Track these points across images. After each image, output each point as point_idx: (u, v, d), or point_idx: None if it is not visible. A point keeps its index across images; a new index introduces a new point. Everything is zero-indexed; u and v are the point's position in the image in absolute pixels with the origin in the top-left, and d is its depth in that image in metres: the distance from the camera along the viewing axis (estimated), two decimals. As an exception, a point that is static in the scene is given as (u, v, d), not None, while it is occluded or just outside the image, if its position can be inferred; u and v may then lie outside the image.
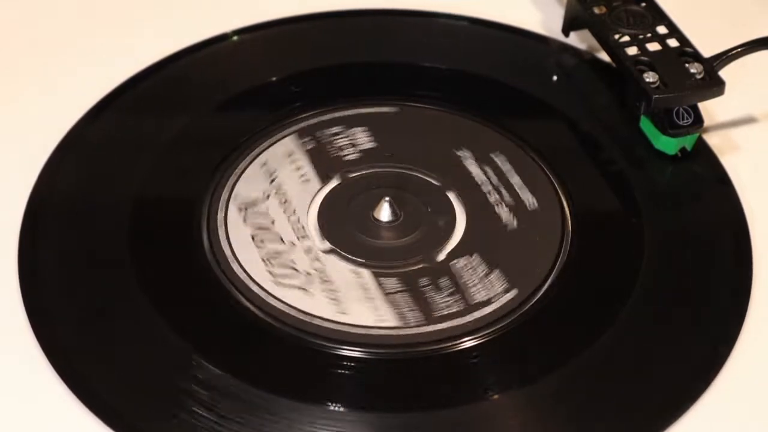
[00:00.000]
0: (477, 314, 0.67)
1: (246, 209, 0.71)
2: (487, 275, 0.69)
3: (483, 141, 0.77)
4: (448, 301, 0.68)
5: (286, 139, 0.76)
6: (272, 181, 0.74)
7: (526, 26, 0.86)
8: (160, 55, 0.82)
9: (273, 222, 0.71)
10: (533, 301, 0.68)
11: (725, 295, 0.69)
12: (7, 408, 0.63)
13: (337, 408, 0.63)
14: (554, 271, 0.69)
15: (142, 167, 0.74)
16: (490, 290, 0.68)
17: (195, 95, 0.80)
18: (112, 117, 0.78)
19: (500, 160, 0.75)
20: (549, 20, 0.86)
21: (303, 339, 0.66)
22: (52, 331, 0.66)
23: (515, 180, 0.74)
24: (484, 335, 0.66)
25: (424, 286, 0.68)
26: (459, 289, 0.68)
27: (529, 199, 0.73)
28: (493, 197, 0.73)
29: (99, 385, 0.64)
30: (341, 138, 0.76)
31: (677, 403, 0.63)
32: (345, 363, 0.65)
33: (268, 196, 0.73)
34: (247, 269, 0.69)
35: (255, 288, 0.68)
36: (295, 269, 0.69)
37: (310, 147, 0.76)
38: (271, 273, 0.69)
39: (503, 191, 0.74)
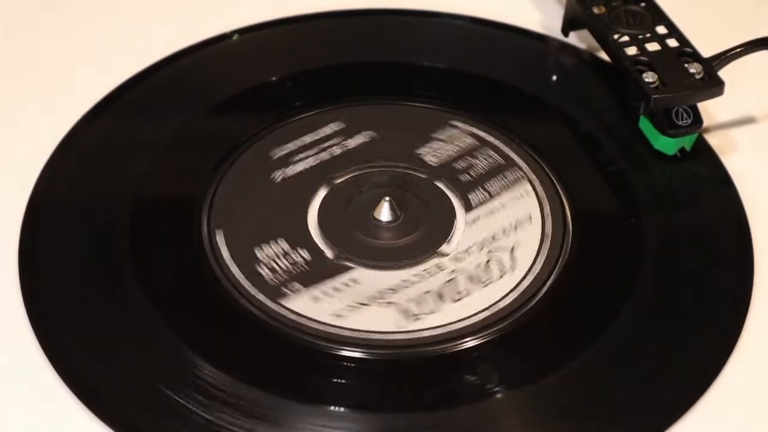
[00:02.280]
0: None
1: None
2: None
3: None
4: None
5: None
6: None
7: (526, 26, 0.86)
8: (160, 55, 0.82)
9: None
10: (533, 302, 0.68)
11: (726, 295, 0.69)
12: (7, 408, 0.63)
13: (337, 409, 0.63)
14: (554, 271, 0.69)
15: (141, 167, 0.74)
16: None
17: (195, 95, 0.79)
18: (112, 117, 0.78)
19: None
20: (548, 20, 0.86)
21: (303, 340, 0.66)
22: (52, 331, 0.66)
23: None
24: (484, 335, 0.66)
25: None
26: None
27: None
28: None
29: (99, 385, 0.64)
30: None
31: (677, 403, 0.63)
32: (346, 364, 0.65)
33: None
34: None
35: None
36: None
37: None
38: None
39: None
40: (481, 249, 0.70)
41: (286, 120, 0.77)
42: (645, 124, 0.76)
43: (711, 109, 0.78)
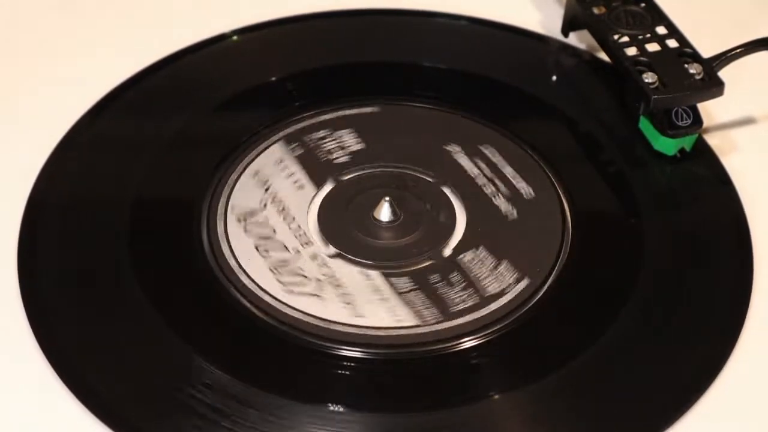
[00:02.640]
0: (493, 306, 0.67)
1: (245, 220, 0.71)
2: (496, 267, 0.69)
3: (482, 140, 0.77)
4: (462, 295, 0.68)
5: (276, 144, 0.76)
6: (266, 189, 0.74)
7: (526, 26, 0.86)
8: (160, 55, 0.82)
9: (274, 231, 0.71)
10: (534, 302, 0.68)
11: (726, 295, 0.69)
12: (7, 408, 0.63)
13: (339, 409, 0.63)
14: (554, 271, 0.69)
15: (141, 167, 0.74)
16: (501, 281, 0.68)
17: (194, 95, 0.79)
18: (112, 117, 0.78)
19: (499, 159, 0.75)
20: (548, 20, 0.86)
21: (304, 339, 0.66)
22: (52, 331, 0.66)
23: (508, 171, 0.74)
24: (484, 335, 0.66)
25: (435, 283, 0.68)
26: (470, 283, 0.68)
27: (525, 188, 0.73)
28: (489, 189, 0.73)
29: (99, 385, 0.64)
30: (338, 138, 0.76)
31: (678, 403, 0.63)
32: (347, 363, 0.65)
33: (265, 205, 0.73)
34: (254, 279, 0.68)
35: (256, 289, 0.68)
36: (305, 276, 0.69)
37: (300, 152, 0.75)
38: (280, 282, 0.68)
39: (498, 183, 0.74)
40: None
41: (280, 122, 0.77)
42: (645, 125, 0.76)
43: (711, 110, 0.78)
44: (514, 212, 0.72)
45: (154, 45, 0.82)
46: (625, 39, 0.78)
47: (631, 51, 0.77)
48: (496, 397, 0.64)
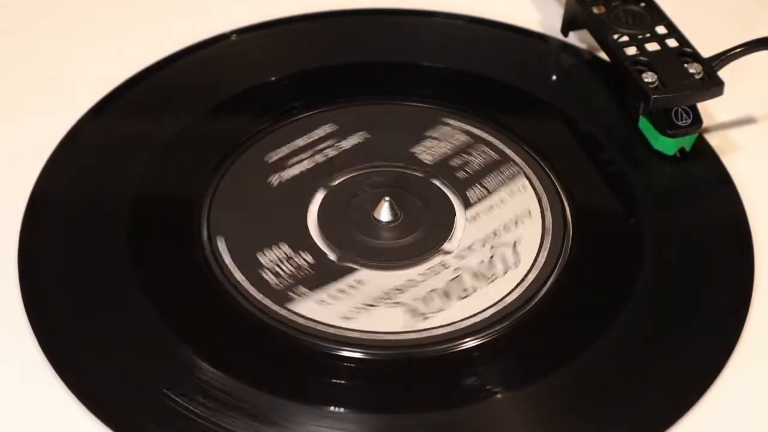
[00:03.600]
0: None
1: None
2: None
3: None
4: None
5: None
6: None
7: (526, 26, 0.86)
8: (160, 55, 0.82)
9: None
10: (534, 302, 0.68)
11: (726, 295, 0.69)
12: (7, 408, 0.63)
13: (337, 410, 0.63)
14: (554, 271, 0.69)
15: (141, 167, 0.74)
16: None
17: (194, 95, 0.79)
18: (112, 117, 0.78)
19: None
20: (548, 20, 0.86)
21: (304, 340, 0.66)
22: (51, 331, 0.66)
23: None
24: (484, 335, 0.66)
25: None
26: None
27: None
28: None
29: (99, 384, 0.64)
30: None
31: (678, 403, 0.63)
32: (350, 365, 0.65)
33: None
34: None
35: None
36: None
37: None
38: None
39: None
40: (484, 245, 0.70)
41: (280, 123, 0.77)
42: (645, 124, 0.76)
43: (711, 109, 0.78)
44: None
45: (155, 45, 0.82)
46: (625, 38, 0.78)
47: (631, 50, 0.77)
48: (496, 397, 0.64)
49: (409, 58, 0.83)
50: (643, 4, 0.81)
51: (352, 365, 0.65)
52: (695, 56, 0.76)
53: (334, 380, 0.64)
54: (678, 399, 0.64)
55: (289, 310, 0.67)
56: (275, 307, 0.67)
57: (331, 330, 0.66)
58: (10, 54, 0.83)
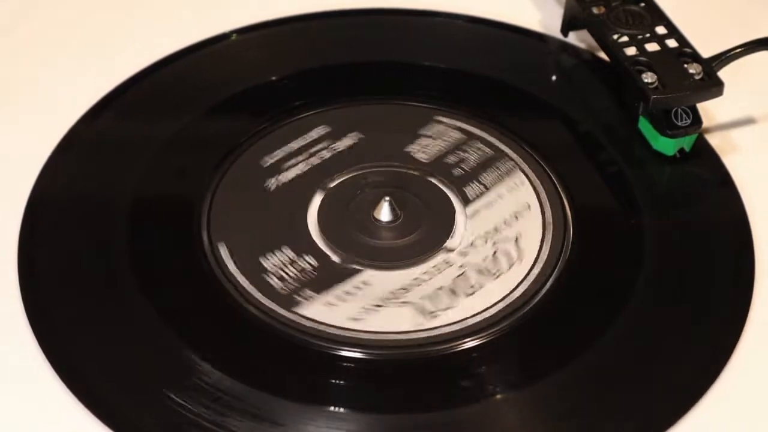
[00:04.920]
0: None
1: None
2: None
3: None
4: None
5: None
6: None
7: (526, 26, 0.86)
8: (160, 55, 0.82)
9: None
10: (534, 302, 0.68)
11: (726, 295, 0.69)
12: (7, 408, 0.63)
13: (337, 410, 0.63)
14: (554, 271, 0.69)
15: (141, 167, 0.74)
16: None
17: (195, 95, 0.79)
18: (111, 117, 0.78)
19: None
20: (548, 20, 0.86)
21: (303, 341, 0.66)
22: (51, 331, 0.66)
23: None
24: (484, 336, 0.66)
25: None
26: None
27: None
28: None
29: (98, 384, 0.64)
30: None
31: (678, 403, 0.63)
32: (347, 365, 0.65)
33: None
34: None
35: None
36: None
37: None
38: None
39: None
40: (486, 241, 0.71)
41: (279, 123, 0.77)
42: (644, 125, 0.76)
43: (711, 109, 0.78)
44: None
45: (155, 45, 0.82)
46: (625, 39, 0.78)
47: (631, 51, 0.77)
48: (496, 397, 0.64)
49: (408, 58, 0.83)
50: (642, 4, 0.81)
51: (351, 365, 0.65)
52: (695, 56, 0.76)
53: (332, 380, 0.64)
54: (678, 399, 0.64)
55: (297, 314, 0.67)
56: (282, 311, 0.67)
57: (329, 329, 0.66)
58: (9, 54, 0.83)
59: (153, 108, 0.79)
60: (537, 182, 0.74)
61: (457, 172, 0.74)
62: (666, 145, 0.75)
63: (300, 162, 0.75)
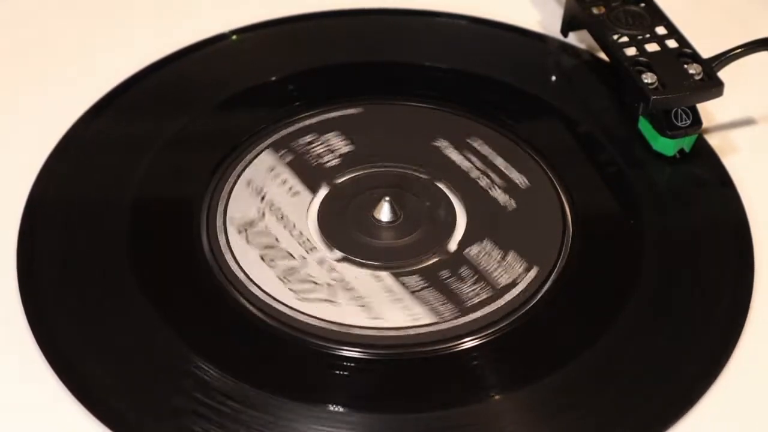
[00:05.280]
0: (508, 297, 0.67)
1: (246, 230, 0.71)
2: (503, 258, 0.69)
3: (481, 139, 0.77)
4: (475, 289, 0.68)
5: (286, 138, 0.76)
6: (273, 182, 0.74)
7: (526, 26, 0.86)
8: (160, 54, 0.82)
9: (277, 239, 0.71)
10: (534, 302, 0.68)
11: (727, 295, 0.69)
12: (7, 408, 0.63)
13: (337, 410, 0.63)
14: (554, 271, 0.69)
15: (141, 167, 0.74)
16: (511, 272, 0.69)
17: (194, 95, 0.79)
18: (111, 117, 0.78)
19: (498, 158, 0.75)
20: (548, 20, 0.86)
21: (303, 341, 0.66)
22: (51, 332, 0.66)
23: (509, 171, 0.74)
24: (484, 335, 0.66)
25: (446, 279, 0.69)
26: (481, 276, 0.68)
27: (520, 179, 0.74)
28: (484, 182, 0.73)
29: (98, 384, 0.64)
30: (338, 138, 0.76)
31: (678, 403, 0.63)
32: (347, 365, 0.65)
33: (263, 215, 0.72)
34: (255, 281, 0.68)
35: (262, 294, 0.68)
36: (315, 282, 0.69)
37: (307, 148, 0.76)
38: (291, 290, 0.68)
39: (494, 176, 0.74)
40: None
41: (288, 120, 0.77)
42: (644, 125, 0.76)
43: (711, 110, 0.78)
44: (513, 203, 0.72)
45: (154, 45, 0.82)
46: (625, 39, 0.78)
47: (631, 51, 0.77)
48: (497, 397, 0.64)
49: (408, 58, 0.83)
50: (642, 5, 0.81)
51: (352, 364, 0.65)
52: (695, 57, 0.76)
53: (333, 379, 0.64)
54: (678, 399, 0.64)
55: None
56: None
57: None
58: (9, 54, 0.83)
59: (152, 108, 0.79)
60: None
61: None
62: (666, 146, 0.75)
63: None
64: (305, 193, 0.73)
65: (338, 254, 0.70)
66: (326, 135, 0.77)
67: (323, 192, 0.73)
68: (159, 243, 0.70)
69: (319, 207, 0.73)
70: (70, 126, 0.77)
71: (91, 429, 0.62)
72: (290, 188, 0.74)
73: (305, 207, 0.73)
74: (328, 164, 0.75)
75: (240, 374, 0.64)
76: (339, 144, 0.76)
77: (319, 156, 0.75)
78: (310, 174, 0.74)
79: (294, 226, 0.72)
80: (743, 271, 0.70)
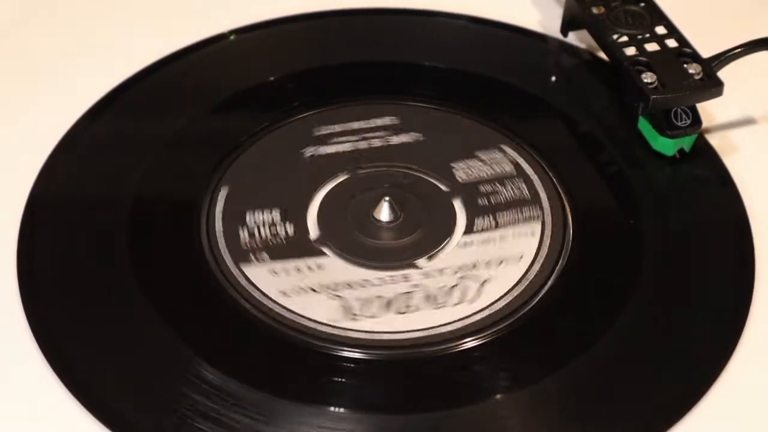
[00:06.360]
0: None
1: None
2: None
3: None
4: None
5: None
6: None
7: (526, 25, 0.86)
8: (159, 54, 0.82)
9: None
10: (534, 302, 0.68)
11: (727, 295, 0.69)
12: (7, 408, 0.63)
13: (337, 410, 0.63)
14: (555, 271, 0.69)
15: (141, 167, 0.74)
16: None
17: (194, 95, 0.79)
18: (111, 117, 0.78)
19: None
20: (548, 20, 0.86)
21: (303, 341, 0.66)
22: (51, 332, 0.66)
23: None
24: (485, 336, 0.66)
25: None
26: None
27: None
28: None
29: (98, 384, 0.64)
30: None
31: (678, 403, 0.63)
32: (347, 365, 0.65)
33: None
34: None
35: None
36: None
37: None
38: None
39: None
40: (455, 273, 0.69)
41: (288, 119, 0.77)
42: (644, 125, 0.76)
43: (711, 109, 0.78)
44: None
45: (154, 45, 0.82)
46: (625, 39, 0.78)
47: (631, 51, 0.77)
48: (497, 397, 0.64)
49: (409, 58, 0.83)
50: (642, 4, 0.81)
51: (350, 365, 0.65)
52: (695, 56, 0.76)
53: (332, 380, 0.64)
54: (678, 399, 0.64)
55: (240, 271, 0.67)
56: (275, 307, 0.67)
57: (328, 329, 0.66)
58: (9, 54, 0.83)
59: (153, 108, 0.79)
60: (538, 185, 0.73)
61: (482, 201, 0.73)
62: (666, 146, 0.75)
63: (348, 141, 0.75)
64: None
65: (338, 254, 0.70)
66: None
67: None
68: (159, 243, 0.71)
69: (319, 207, 0.72)
70: (71, 126, 0.77)
71: (91, 429, 0.62)
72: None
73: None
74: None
75: (240, 374, 0.64)
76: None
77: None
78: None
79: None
80: (744, 271, 0.70)
